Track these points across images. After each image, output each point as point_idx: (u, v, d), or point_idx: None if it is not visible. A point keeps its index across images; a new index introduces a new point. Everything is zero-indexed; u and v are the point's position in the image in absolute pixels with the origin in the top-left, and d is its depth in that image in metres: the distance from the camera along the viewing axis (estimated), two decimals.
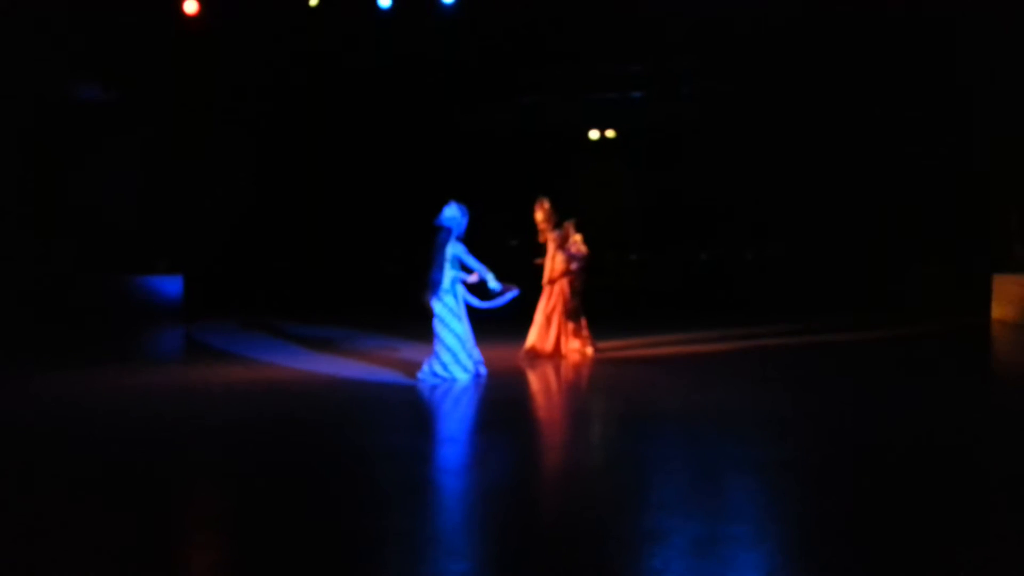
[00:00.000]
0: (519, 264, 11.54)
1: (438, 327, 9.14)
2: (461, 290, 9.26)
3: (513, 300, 9.36)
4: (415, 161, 19.37)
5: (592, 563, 4.31)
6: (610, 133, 20.24)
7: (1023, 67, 15.00)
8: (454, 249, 9.17)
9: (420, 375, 9.27)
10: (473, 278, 9.27)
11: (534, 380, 9.84)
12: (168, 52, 17.12)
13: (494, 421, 7.94)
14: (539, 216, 11.16)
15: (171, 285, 18.26)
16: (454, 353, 9.14)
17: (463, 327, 9.21)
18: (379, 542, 4.63)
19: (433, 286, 9.09)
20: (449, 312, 9.14)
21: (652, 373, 10.13)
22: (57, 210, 17.49)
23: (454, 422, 8.04)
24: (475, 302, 9.34)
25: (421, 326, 9.69)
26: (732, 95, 18.58)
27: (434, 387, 9.00)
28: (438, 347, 9.18)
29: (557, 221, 11.15)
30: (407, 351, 11.41)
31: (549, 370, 10.31)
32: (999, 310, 15.07)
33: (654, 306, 17.93)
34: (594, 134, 20.28)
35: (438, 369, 9.19)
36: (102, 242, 17.85)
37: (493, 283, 9.21)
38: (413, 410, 8.32)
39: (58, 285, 16.81)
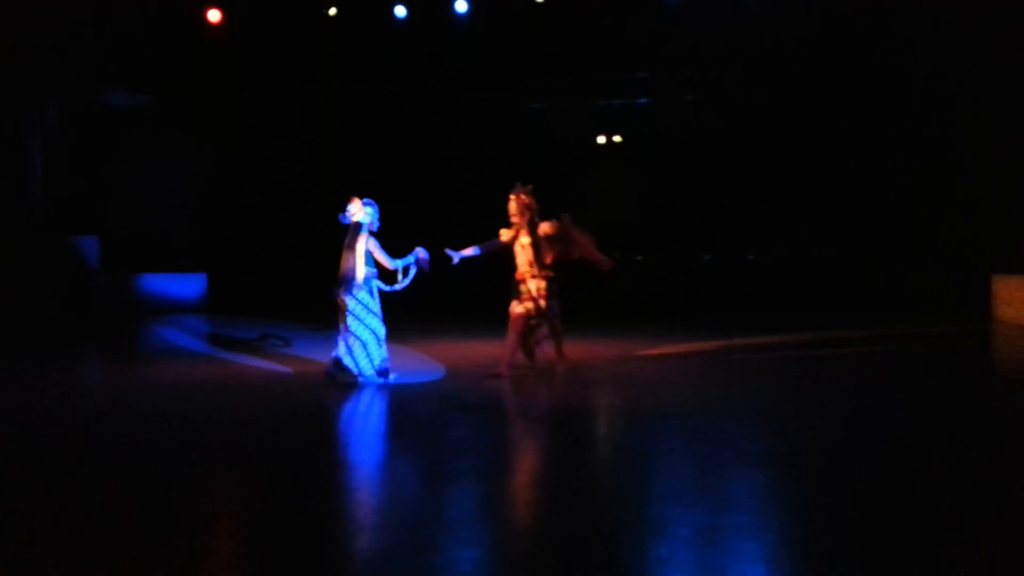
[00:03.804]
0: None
1: (352, 323, 9.03)
2: (376, 284, 9.19)
3: (417, 276, 9.17)
4: (425, 165, 19.72)
5: (599, 552, 4.33)
6: (617, 138, 20.67)
7: None
8: (368, 244, 9.13)
9: (329, 369, 9.17)
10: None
11: (534, 377, 9.73)
12: (192, 59, 17.57)
13: (498, 416, 7.98)
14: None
15: (195, 284, 18.64)
16: (367, 350, 9.05)
17: (378, 324, 9.14)
18: (390, 530, 4.69)
19: (347, 282, 9.03)
20: (364, 308, 9.05)
21: (656, 371, 10.23)
22: (78, 211, 17.88)
23: (457, 416, 7.82)
24: (384, 287, 9.20)
25: (422, 326, 9.34)
26: (737, 101, 18.91)
27: (337, 380, 9.00)
28: (351, 341, 9.05)
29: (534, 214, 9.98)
30: (418, 347, 11.79)
31: (551, 368, 10.13)
32: (1001, 311, 15.10)
33: (658, 306, 18.12)
34: (601, 139, 20.72)
35: (348, 362, 9.07)
36: (124, 241, 18.23)
37: (402, 272, 9.16)
38: (413, 404, 8.38)
39: (79, 284, 17.12)
